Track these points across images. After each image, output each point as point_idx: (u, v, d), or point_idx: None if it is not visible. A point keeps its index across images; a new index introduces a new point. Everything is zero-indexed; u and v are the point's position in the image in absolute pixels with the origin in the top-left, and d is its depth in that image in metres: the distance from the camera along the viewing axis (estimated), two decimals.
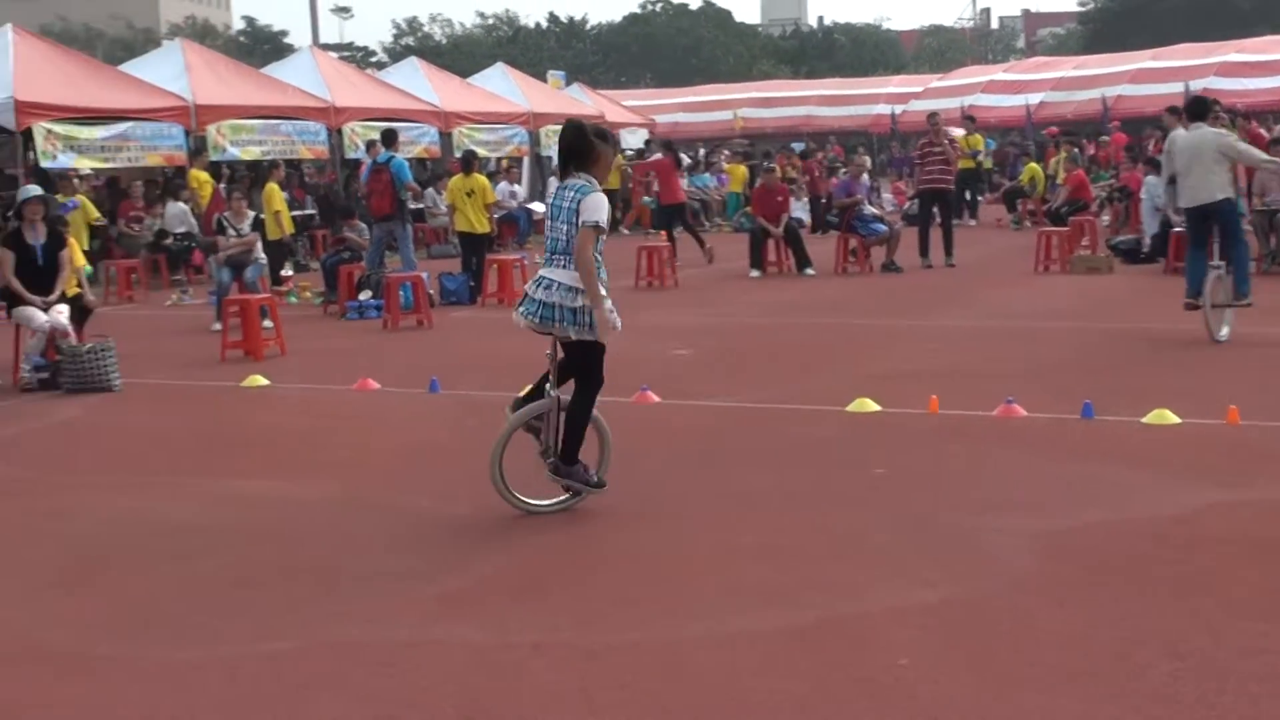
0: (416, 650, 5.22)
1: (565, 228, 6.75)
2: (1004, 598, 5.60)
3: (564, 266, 6.74)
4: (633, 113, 39.15)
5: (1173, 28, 55.53)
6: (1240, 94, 34.70)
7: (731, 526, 6.80)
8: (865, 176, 22.32)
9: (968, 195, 28.57)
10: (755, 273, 19.86)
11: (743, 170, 31.29)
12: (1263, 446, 8.14)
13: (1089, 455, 8.07)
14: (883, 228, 20.40)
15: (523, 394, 7.20)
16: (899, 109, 46.28)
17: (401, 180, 17.85)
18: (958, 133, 26.89)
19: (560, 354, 7.03)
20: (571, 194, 6.76)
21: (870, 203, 21.27)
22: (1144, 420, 8.81)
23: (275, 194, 19.53)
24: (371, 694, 4.80)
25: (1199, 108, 13.12)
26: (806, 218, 27.23)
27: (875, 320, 14.55)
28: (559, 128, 25.87)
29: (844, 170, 27.08)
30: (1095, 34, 71.49)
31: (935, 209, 20.54)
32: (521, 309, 6.88)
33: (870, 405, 9.51)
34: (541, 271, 6.87)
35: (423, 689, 4.83)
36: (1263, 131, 22.83)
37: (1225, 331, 12.04)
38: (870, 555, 6.26)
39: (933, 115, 22.03)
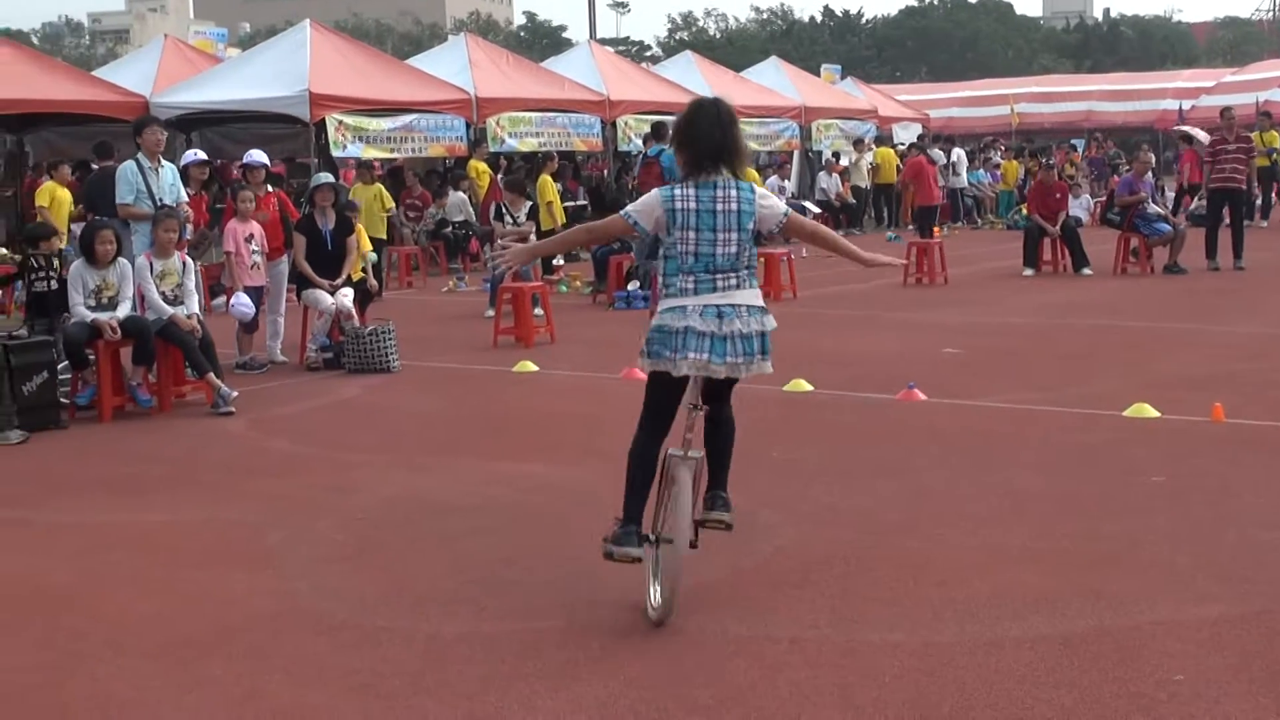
0: (677, 638, 5.26)
1: (735, 236, 5.32)
2: None
3: (741, 286, 5.35)
4: (906, 107, 38.61)
5: None
6: None
7: (1000, 529, 6.64)
8: (1150, 174, 21.45)
9: (1259, 195, 27.23)
10: (1029, 271, 19.36)
11: (1016, 167, 30.53)
12: None
13: None
14: (1167, 227, 19.60)
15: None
16: (1188, 104, 44.34)
17: (673, 174, 18.01)
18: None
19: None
20: (728, 193, 5.35)
21: (1154, 201, 20.44)
22: None
23: (548, 185, 19.99)
24: (633, 677, 4.87)
25: None
26: (1086, 216, 26.37)
27: (1155, 324, 14.00)
28: (831, 122, 25.68)
29: (1126, 167, 26.11)
30: None
31: (1225, 209, 19.65)
32: (707, 354, 5.24)
33: (1149, 411, 9.15)
34: (706, 300, 5.29)
35: (683, 676, 4.87)
36: None
37: None
38: (1146, 565, 6.03)
39: (1226, 111, 21.09)
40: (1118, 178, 24.58)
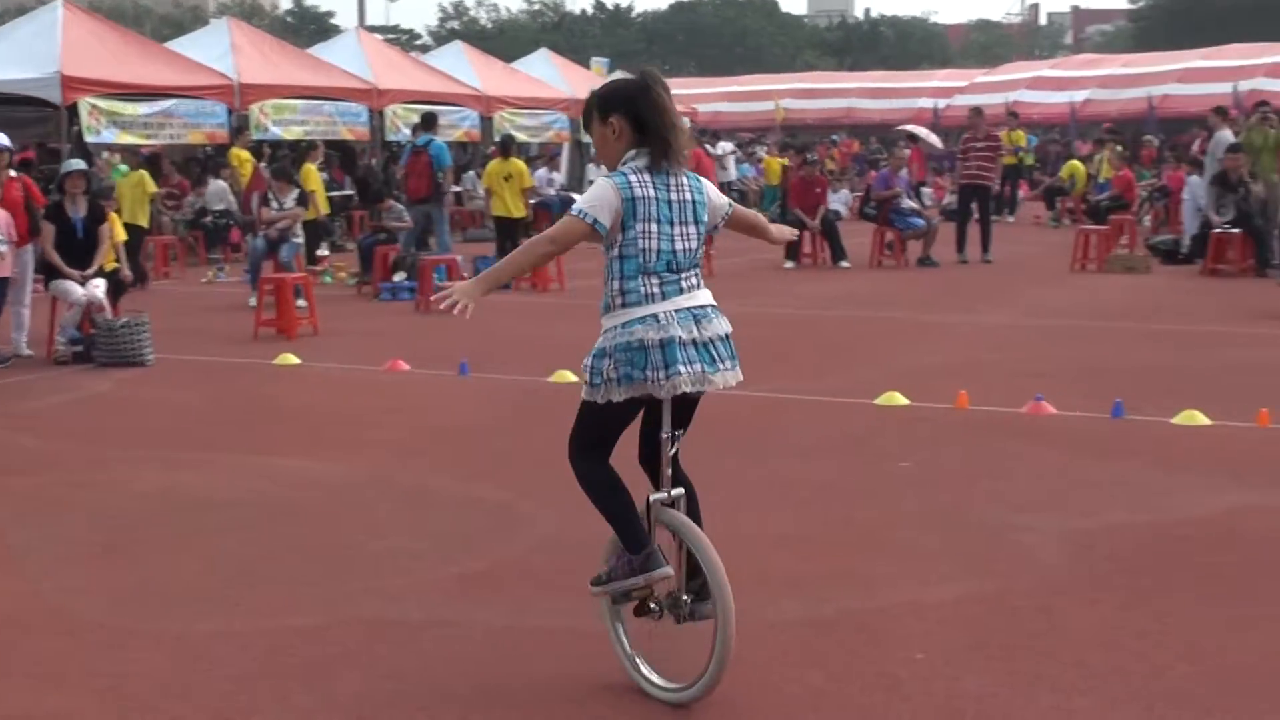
0: (434, 630, 5.24)
1: (693, 230, 4.55)
2: (1027, 595, 5.58)
3: (700, 285, 4.60)
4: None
5: (1225, 27, 54.98)
6: None
7: (759, 516, 6.79)
8: (904, 170, 22.22)
9: (1008, 191, 28.46)
10: (789, 264, 19.82)
11: (778, 164, 31.23)
12: None
13: (1118, 455, 8.02)
14: (920, 222, 20.32)
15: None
16: (943, 103, 46.01)
17: (441, 164, 17.92)
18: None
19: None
20: (680, 181, 4.55)
21: (909, 197, 21.17)
22: (1174, 421, 8.75)
23: (312, 174, 19.62)
24: (389, 671, 4.83)
25: None
26: (845, 210, 27.14)
27: (908, 315, 14.50)
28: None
29: (883, 163, 26.97)
30: (1144, 32, 70.90)
31: (974, 204, 20.47)
32: (699, 365, 4.46)
33: (899, 399, 9.48)
34: (676, 304, 4.48)
35: (439, 668, 4.85)
36: None
37: None
38: (894, 549, 6.24)
39: (976, 110, 21.97)
40: (874, 173, 25.35)
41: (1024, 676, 4.71)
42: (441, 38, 75.85)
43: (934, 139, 33.63)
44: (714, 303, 4.61)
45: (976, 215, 20.37)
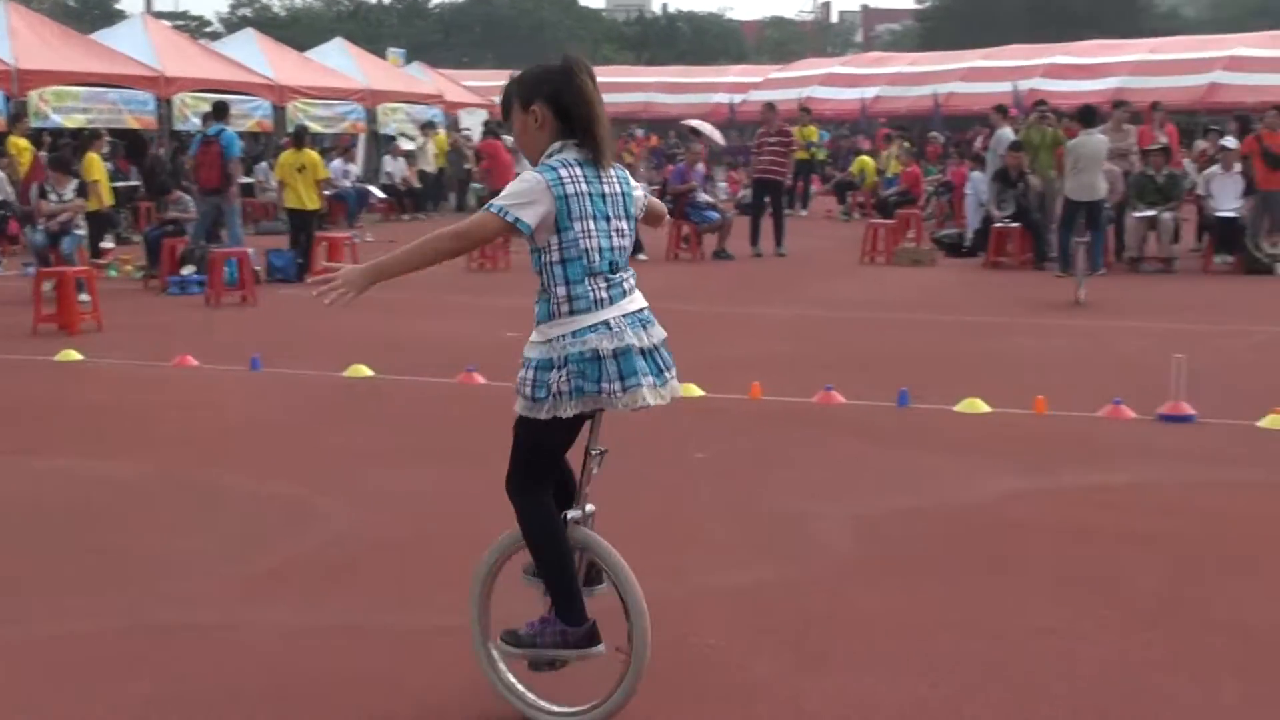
0: (227, 632, 5.14)
1: (625, 226, 4.19)
2: (819, 581, 5.72)
3: (636, 286, 4.25)
4: (472, 94, 38.85)
5: (1006, 28, 56.95)
6: (1066, 95, 35.72)
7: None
8: (700, 164, 22.51)
9: (800, 186, 29.09)
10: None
11: None
12: (1067, 435, 8.44)
13: (903, 442, 8.28)
14: (716, 215, 20.62)
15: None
16: (738, 99, 46.72)
17: (230, 154, 17.50)
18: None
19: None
20: (609, 173, 4.17)
21: (705, 190, 21.46)
22: (956, 409, 9.07)
23: (95, 164, 18.94)
24: (179, 674, 4.72)
25: (1090, 115, 17.02)
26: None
27: (703, 307, 14.69)
28: (397, 106, 25.22)
29: (680, 157, 27.27)
30: (930, 31, 73.00)
31: (767, 198, 20.86)
32: (653, 377, 4.16)
33: (695, 391, 9.61)
34: (623, 308, 4.13)
35: (232, 671, 4.76)
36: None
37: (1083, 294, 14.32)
38: (689, 538, 6.34)
39: (769, 106, 22.36)
40: (671, 167, 25.60)
41: (813, 657, 4.84)
42: (233, 25, 73.97)
43: (715, 134, 34.12)
44: (647, 304, 4.25)
45: (770, 209, 20.75)
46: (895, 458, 7.89)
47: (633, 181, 4.34)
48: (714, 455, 7.95)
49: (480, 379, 10.13)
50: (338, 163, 26.92)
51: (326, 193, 20.89)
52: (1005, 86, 37.29)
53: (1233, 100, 35.73)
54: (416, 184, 29.54)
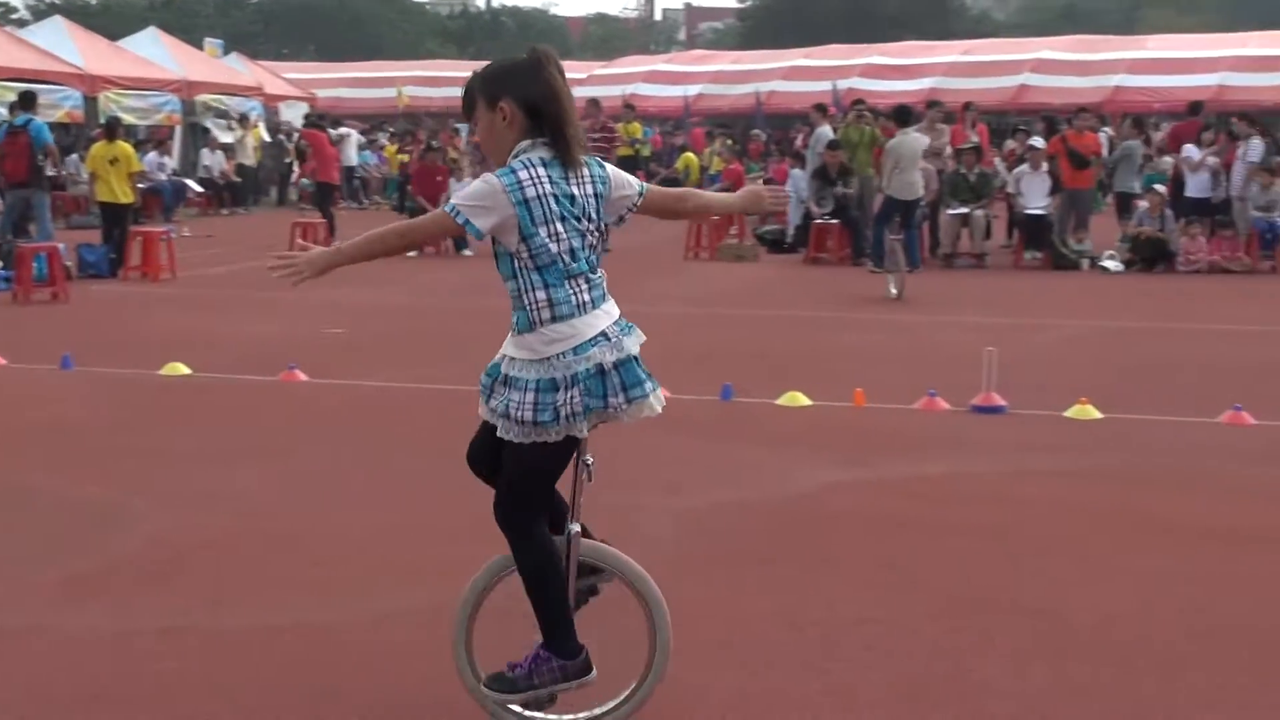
0: (35, 636, 4.97)
1: (594, 226, 3.95)
2: None
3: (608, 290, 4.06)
4: (293, 86, 38.18)
5: (824, 29, 57.98)
6: (882, 95, 36.50)
7: (379, 508, 6.76)
8: None
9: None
10: (413, 252, 19.62)
11: (394, 150, 30.98)
12: (884, 427, 8.63)
13: (726, 436, 8.38)
14: None
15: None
16: None
17: (41, 142, 16.92)
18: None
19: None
20: (581, 172, 3.91)
21: None
22: (777, 402, 9.21)
23: None
24: None
25: (906, 114, 16.86)
26: None
27: None
28: (217, 98, 24.64)
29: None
30: (752, 30, 73.94)
31: None
32: (647, 387, 4.01)
33: None
34: (609, 310, 4.02)
35: (42, 677, 4.60)
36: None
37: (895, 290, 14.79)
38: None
39: (592, 102, 22.42)
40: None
41: None
42: (40, 12, 71.41)
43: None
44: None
45: None
46: (718, 451, 7.97)
47: (627, 178, 4.10)
48: None
49: (302, 376, 9.96)
50: (153, 155, 26.22)
51: (141, 186, 20.33)
52: (825, 85, 37.92)
53: (1040, 101, 36.91)
54: (235, 178, 28.92)
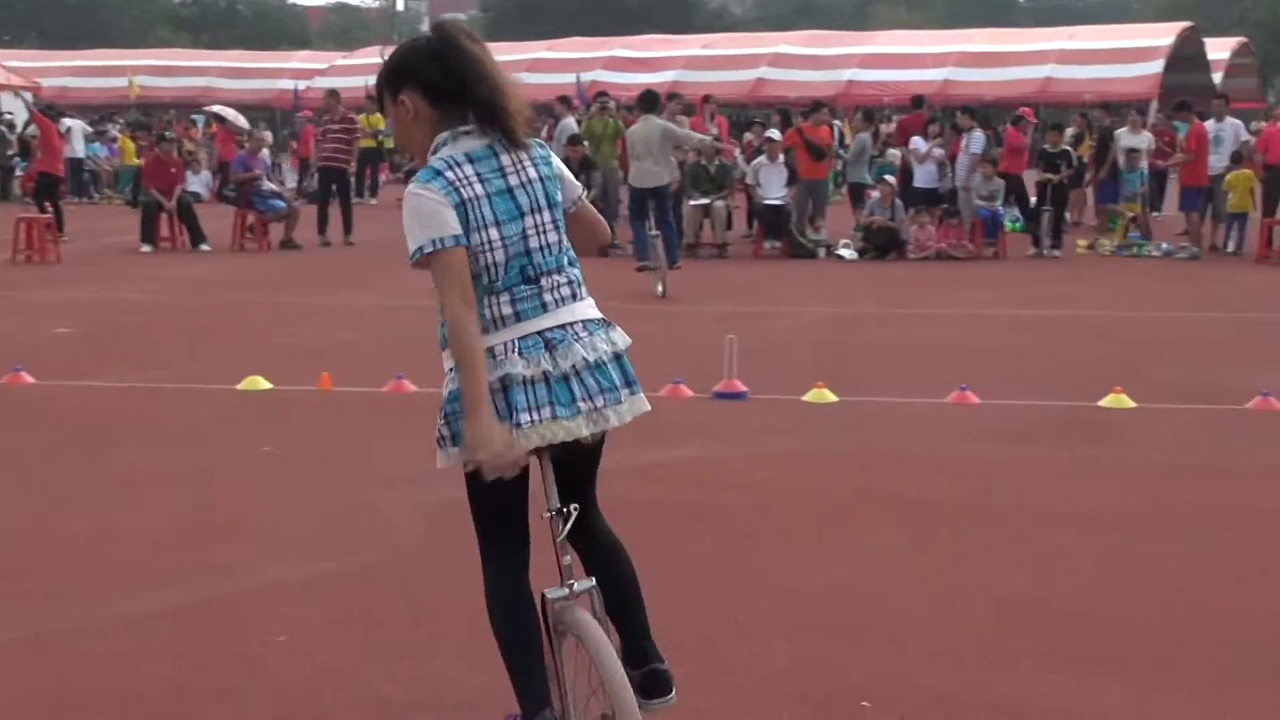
0: None
1: (550, 216, 3.47)
2: (390, 568, 5.72)
3: (576, 295, 3.52)
4: (15, 74, 36.42)
5: (566, 21, 58.31)
6: (626, 87, 36.89)
7: (111, 510, 6.52)
8: (265, 152, 21.96)
9: (369, 174, 28.87)
10: (147, 248, 19.04)
11: (131, 144, 29.88)
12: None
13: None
14: (282, 204, 20.16)
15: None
16: (303, 84, 45.77)
17: None
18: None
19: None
20: (517, 157, 3.43)
21: (269, 178, 20.94)
22: None
23: None
24: None
25: (650, 101, 16.00)
26: (205, 191, 26.50)
27: (273, 298, 14.37)
28: None
29: (244, 143, 26.56)
30: (495, 22, 73.79)
31: (334, 186, 20.59)
32: (549, 409, 3.39)
33: (262, 383, 9.39)
34: (524, 329, 3.40)
35: None
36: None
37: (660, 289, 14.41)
38: (254, 533, 6.19)
39: (332, 93, 22.05)
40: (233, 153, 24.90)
41: (384, 646, 4.83)
42: None
43: (241, 119, 33.41)
44: (595, 315, 3.53)
45: (338, 197, 20.48)
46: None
47: (564, 168, 3.58)
48: (282, 448, 7.79)
49: (29, 378, 9.53)
50: None
51: None
52: (569, 78, 38.13)
53: (777, 95, 37.92)
54: None
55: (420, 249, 3.29)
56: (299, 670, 4.62)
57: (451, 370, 3.39)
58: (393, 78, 3.44)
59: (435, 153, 3.39)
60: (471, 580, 5.51)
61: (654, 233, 14.86)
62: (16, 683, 4.51)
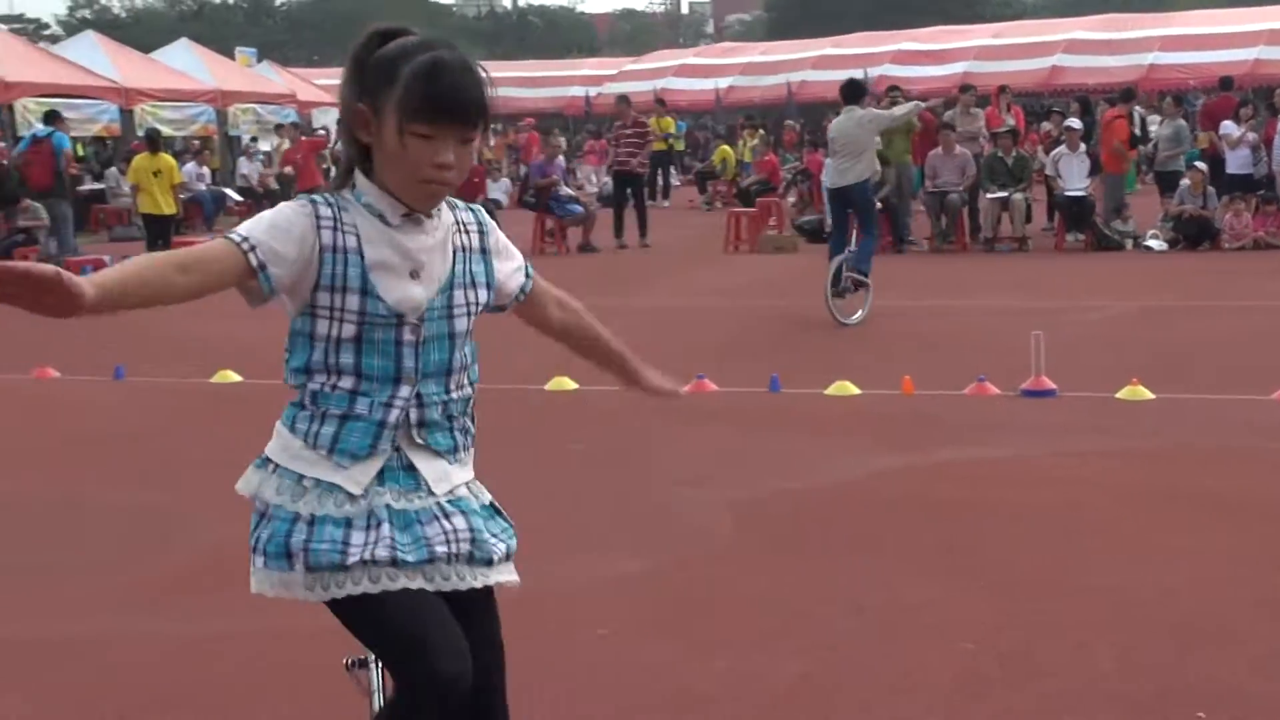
0: (100, 646, 5.02)
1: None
2: (699, 566, 5.78)
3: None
4: (326, 92, 38.36)
5: (853, 17, 57.80)
6: (915, 80, 36.39)
7: None
8: (561, 158, 22.55)
9: (661, 177, 29.26)
10: None
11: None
12: (934, 414, 8.62)
13: (776, 426, 8.39)
14: (579, 209, 20.65)
15: None
16: (594, 91, 46.76)
17: (60, 148, 17.32)
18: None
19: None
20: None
21: (566, 184, 21.48)
22: (826, 392, 9.20)
23: None
24: (53, 688, 4.61)
25: (854, 91, 13.42)
26: (505, 198, 27.34)
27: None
28: (249, 107, 24.91)
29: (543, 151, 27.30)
30: (780, 21, 73.78)
31: (629, 190, 20.93)
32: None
33: (568, 384, 9.62)
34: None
35: (110, 685, 4.67)
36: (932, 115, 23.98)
37: (856, 316, 12.38)
38: (570, 529, 6.35)
39: (622, 98, 22.44)
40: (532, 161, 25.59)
41: (701, 642, 4.89)
42: (72, 27, 72.14)
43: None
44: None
45: (632, 201, 20.82)
46: (769, 442, 7.98)
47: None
48: (590, 446, 7.97)
49: None
50: (191, 165, 26.40)
51: (182, 197, 20.51)
52: (856, 73, 37.82)
53: (1074, 83, 36.72)
54: (274, 185, 29.08)
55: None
56: (620, 665, 4.71)
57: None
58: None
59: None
60: (781, 577, 5.57)
61: (851, 249, 12.63)
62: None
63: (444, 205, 2.87)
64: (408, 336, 2.78)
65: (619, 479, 7.23)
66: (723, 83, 44.69)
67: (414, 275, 2.78)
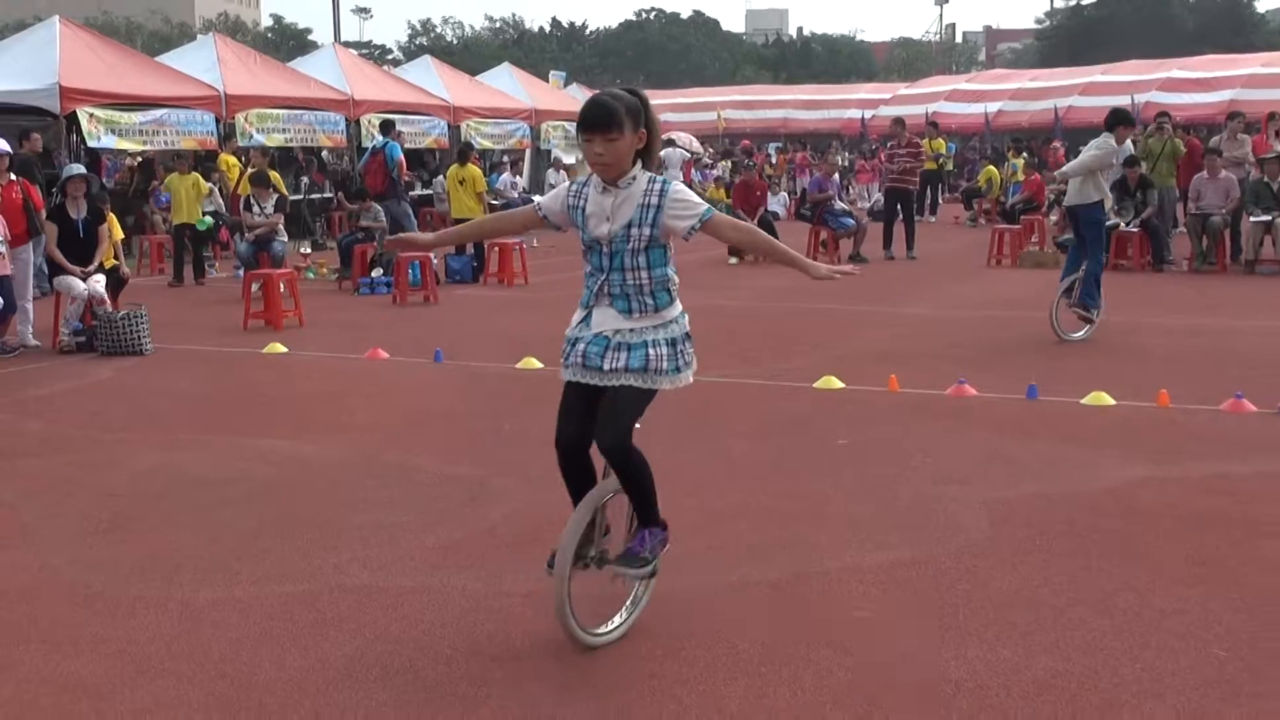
0: (418, 595, 5.23)
1: None
2: (955, 559, 5.63)
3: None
4: None
5: (1123, 46, 55.45)
6: (1181, 108, 34.70)
7: (714, 491, 6.81)
8: (836, 174, 22.36)
9: (929, 194, 28.70)
10: (733, 260, 19.87)
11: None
12: (1190, 427, 8.18)
13: (1032, 432, 8.10)
14: (851, 222, 20.43)
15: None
16: (869, 114, 46.21)
17: (392, 158, 18.20)
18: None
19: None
20: None
21: (840, 199, 21.28)
22: (1083, 401, 8.85)
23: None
24: (377, 634, 4.82)
25: (1108, 117, 11.98)
26: (782, 211, 27.28)
27: (841, 306, 14.56)
28: (558, 124, 25.69)
29: (818, 168, 27.11)
30: (1051, 49, 71.40)
31: (899, 206, 20.61)
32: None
33: (836, 383, 9.53)
34: None
35: (425, 630, 4.85)
36: (1197, 140, 22.84)
37: (1078, 334, 11.69)
38: (835, 519, 6.28)
39: (898, 120, 22.09)
40: (810, 176, 25.47)
41: (954, 632, 4.76)
42: (411, 52, 75.50)
43: (695, 144, 34.22)
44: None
45: (901, 216, 20.49)
46: (1025, 446, 7.72)
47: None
48: (855, 442, 7.87)
49: None
50: (506, 176, 27.24)
51: (495, 202, 21.17)
52: (1123, 100, 36.31)
53: None
54: None
55: (708, 209, 4.44)
56: (876, 649, 4.63)
57: (675, 319, 4.56)
58: (640, 113, 4.37)
59: (661, 170, 4.56)
60: (1034, 576, 5.36)
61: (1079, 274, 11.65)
62: (639, 633, 4.79)
63: (640, 178, 4.42)
64: (604, 250, 4.46)
65: (881, 474, 7.11)
66: (992, 107, 43.53)
67: (608, 219, 4.43)
